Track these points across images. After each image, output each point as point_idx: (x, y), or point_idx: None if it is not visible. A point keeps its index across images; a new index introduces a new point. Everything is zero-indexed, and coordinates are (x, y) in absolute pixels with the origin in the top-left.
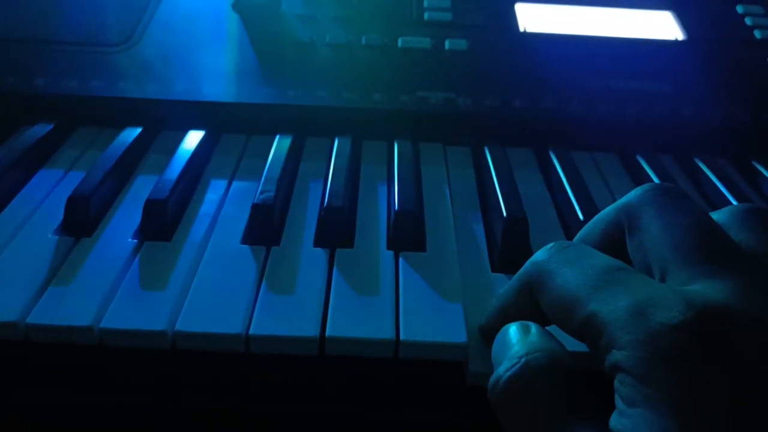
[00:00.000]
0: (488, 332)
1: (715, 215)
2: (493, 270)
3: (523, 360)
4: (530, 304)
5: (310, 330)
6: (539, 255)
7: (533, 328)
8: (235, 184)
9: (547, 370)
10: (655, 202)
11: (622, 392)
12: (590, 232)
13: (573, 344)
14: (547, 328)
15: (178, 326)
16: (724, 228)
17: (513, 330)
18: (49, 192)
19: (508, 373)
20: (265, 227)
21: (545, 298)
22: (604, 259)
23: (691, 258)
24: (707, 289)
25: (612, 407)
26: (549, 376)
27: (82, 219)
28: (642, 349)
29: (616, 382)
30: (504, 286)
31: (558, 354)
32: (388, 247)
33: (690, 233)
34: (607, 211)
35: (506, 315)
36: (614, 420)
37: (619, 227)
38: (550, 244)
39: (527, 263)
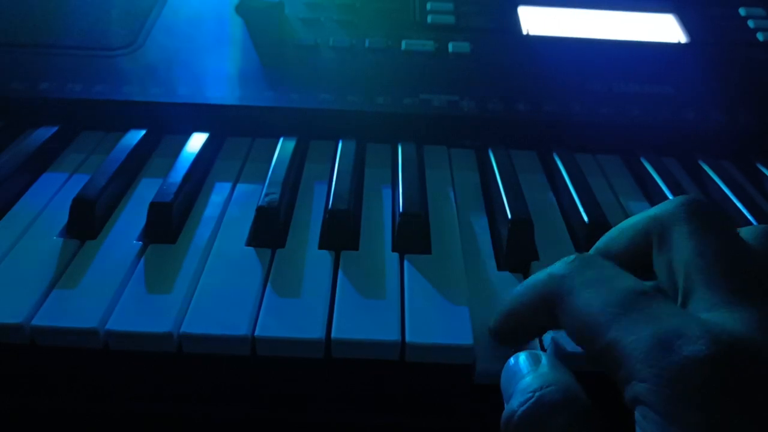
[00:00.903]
0: (498, 335)
1: (744, 233)
2: (500, 270)
3: (537, 395)
4: (545, 315)
5: (316, 332)
6: (559, 269)
7: (543, 358)
8: (240, 186)
9: (562, 406)
10: (688, 220)
11: (645, 427)
12: (617, 239)
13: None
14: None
15: (184, 328)
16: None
17: (522, 359)
18: (54, 194)
19: (522, 409)
20: (270, 229)
21: (565, 318)
22: (627, 281)
23: (719, 284)
24: (732, 319)
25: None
26: (564, 411)
27: (87, 221)
28: (665, 384)
29: (637, 414)
30: (515, 287)
31: (572, 388)
32: (393, 249)
33: (720, 258)
34: (636, 220)
35: (519, 322)
36: None
37: (647, 238)
38: (571, 258)
39: (545, 274)
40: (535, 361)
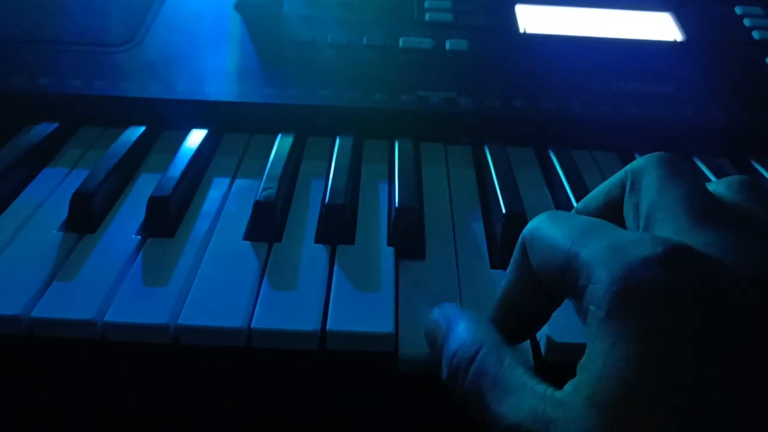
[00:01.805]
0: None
1: (711, 186)
2: (493, 267)
3: (455, 362)
4: (529, 274)
5: (311, 324)
6: (531, 221)
7: (450, 317)
8: (238, 182)
9: (472, 358)
10: (658, 167)
11: (591, 326)
12: (594, 196)
13: None
14: None
15: (181, 320)
16: (719, 197)
17: (435, 318)
18: (54, 189)
19: (449, 379)
20: (267, 224)
21: (533, 255)
22: (591, 218)
23: (680, 216)
24: (687, 239)
25: None
26: (482, 367)
27: (86, 215)
28: (614, 282)
29: (588, 320)
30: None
31: (480, 340)
32: (389, 244)
33: (682, 197)
34: (614, 176)
35: (513, 305)
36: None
37: (621, 188)
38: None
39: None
40: (444, 318)
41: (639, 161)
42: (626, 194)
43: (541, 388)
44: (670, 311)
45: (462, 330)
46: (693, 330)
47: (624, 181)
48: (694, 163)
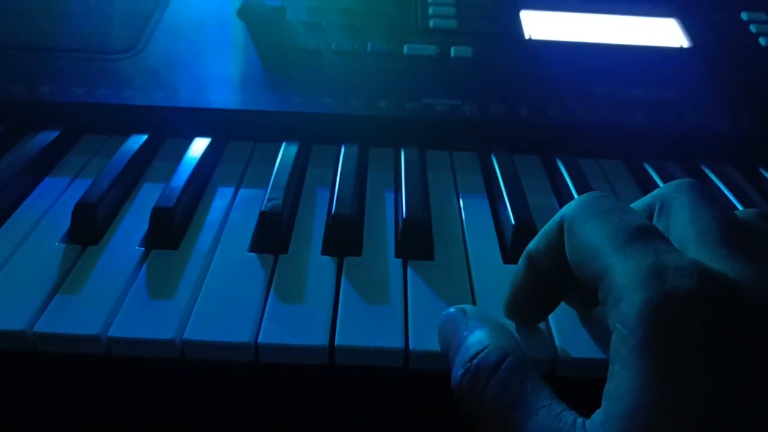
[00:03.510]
0: (512, 303)
1: (741, 214)
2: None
3: (474, 363)
4: (558, 249)
5: (319, 339)
6: (575, 200)
7: (470, 318)
8: (242, 191)
9: (498, 370)
10: (688, 192)
11: (619, 350)
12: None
13: None
14: None
15: (187, 335)
16: (748, 225)
17: (453, 316)
18: (56, 199)
19: (464, 382)
20: (273, 235)
21: (570, 242)
22: (637, 218)
23: (713, 243)
24: (723, 268)
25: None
26: (503, 374)
27: (89, 227)
28: (649, 310)
29: (615, 337)
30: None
31: (504, 347)
32: (397, 255)
33: (715, 224)
34: (640, 200)
35: (535, 267)
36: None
37: (648, 212)
38: (587, 194)
39: (562, 209)
40: (464, 318)
41: (668, 187)
42: (655, 218)
43: (569, 416)
44: (714, 357)
45: (485, 334)
46: (737, 377)
47: (652, 205)
48: (715, 192)
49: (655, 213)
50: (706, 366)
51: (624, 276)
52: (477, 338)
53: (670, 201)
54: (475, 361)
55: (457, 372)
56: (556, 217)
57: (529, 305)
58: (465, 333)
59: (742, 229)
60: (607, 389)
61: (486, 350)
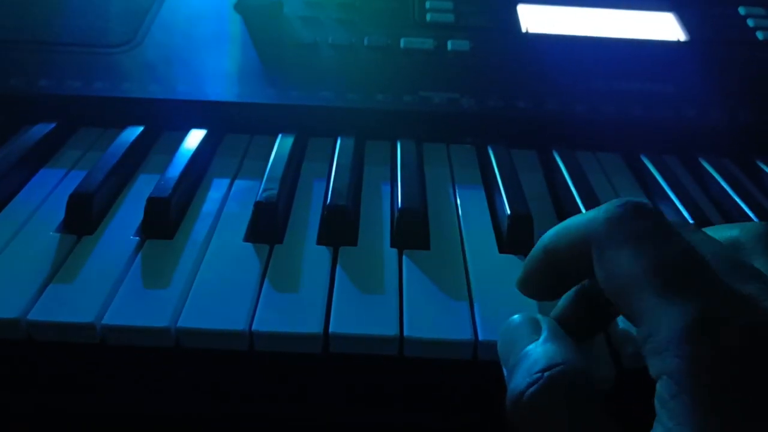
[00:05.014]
0: (527, 282)
1: (734, 230)
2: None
3: (546, 375)
4: (583, 259)
5: (314, 327)
6: (604, 212)
7: (545, 329)
8: (238, 182)
9: (571, 388)
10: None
11: (674, 408)
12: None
13: None
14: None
15: (181, 323)
16: (740, 246)
17: (521, 323)
18: (51, 190)
19: (531, 391)
20: (268, 225)
21: (604, 268)
22: (680, 245)
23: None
24: None
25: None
26: (574, 393)
27: (84, 216)
28: (704, 369)
29: (661, 388)
30: (549, 230)
31: (578, 366)
32: (392, 245)
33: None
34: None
35: (552, 262)
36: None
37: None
38: (619, 201)
39: (592, 214)
40: (535, 328)
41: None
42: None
43: None
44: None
45: (561, 349)
46: None
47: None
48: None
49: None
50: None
51: (667, 326)
52: (550, 351)
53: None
54: (547, 373)
55: (522, 380)
56: (581, 225)
57: (545, 288)
58: (536, 343)
59: (701, 260)
60: None
61: (561, 366)
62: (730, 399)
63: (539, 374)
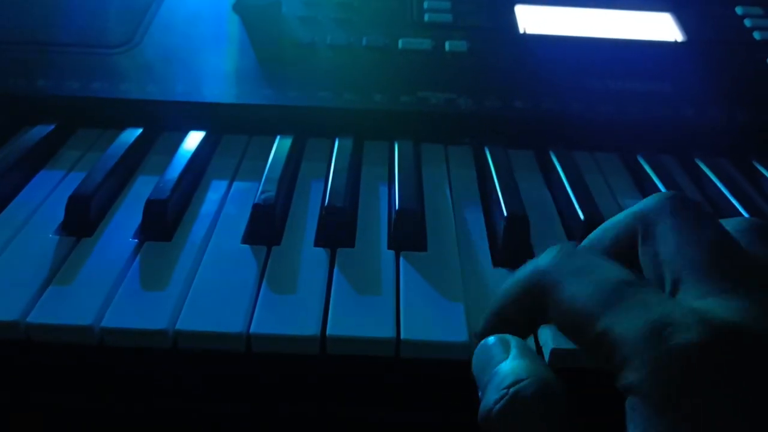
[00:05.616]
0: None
1: (732, 228)
2: (495, 266)
3: (512, 391)
4: (530, 310)
5: (311, 329)
6: (543, 261)
7: (513, 347)
8: (236, 184)
9: (537, 400)
10: (673, 214)
11: (634, 418)
12: (601, 238)
13: None
14: None
15: (179, 325)
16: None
17: (493, 343)
18: (50, 192)
19: (498, 406)
20: (266, 227)
21: (553, 311)
22: (614, 271)
23: (707, 273)
24: (724, 306)
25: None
26: (540, 405)
27: (83, 219)
28: (655, 373)
29: (627, 405)
30: (502, 286)
31: (545, 379)
32: (389, 247)
33: (706, 249)
34: (619, 218)
35: (504, 320)
36: None
37: (632, 234)
38: (555, 249)
39: (529, 268)
40: (505, 347)
41: (647, 207)
42: (640, 241)
43: None
44: (734, 408)
45: (527, 365)
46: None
47: (632, 227)
48: (701, 204)
49: (640, 238)
50: (727, 418)
51: (622, 341)
52: (517, 367)
53: (654, 224)
54: (513, 388)
55: (491, 397)
56: (523, 281)
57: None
58: (505, 361)
59: (735, 254)
60: None
61: (526, 381)
62: (689, 400)
63: (505, 390)
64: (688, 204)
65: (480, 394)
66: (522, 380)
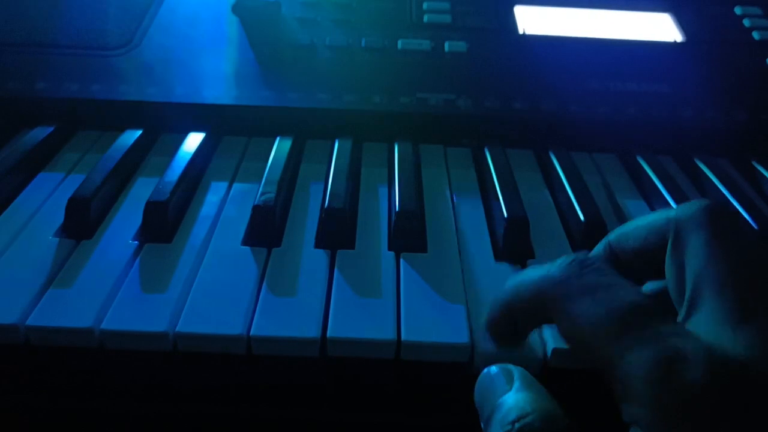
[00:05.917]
0: (492, 328)
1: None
2: (495, 267)
3: (516, 427)
4: (536, 314)
5: (312, 331)
6: (556, 271)
7: (517, 378)
8: (236, 185)
9: None
10: (707, 227)
11: None
12: (631, 235)
13: None
14: None
15: (179, 328)
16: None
17: (496, 373)
18: (50, 194)
19: None
20: (266, 229)
21: (562, 324)
22: (627, 294)
23: (728, 298)
24: (736, 340)
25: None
26: None
27: (83, 221)
28: (662, 411)
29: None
30: (510, 281)
31: (550, 413)
32: (390, 248)
33: (732, 271)
34: (654, 218)
35: (508, 316)
36: None
37: (662, 237)
38: (568, 259)
39: (540, 273)
40: (508, 378)
41: (684, 212)
42: (669, 248)
43: None
44: None
45: (531, 398)
46: None
47: (665, 230)
48: (737, 216)
49: (670, 243)
50: None
51: (629, 374)
52: (522, 401)
53: (687, 233)
54: (518, 424)
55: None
56: (535, 283)
57: (506, 335)
58: (508, 393)
59: (761, 278)
60: None
61: (531, 415)
62: None
63: (510, 426)
64: (724, 216)
65: (483, 426)
66: (527, 415)
